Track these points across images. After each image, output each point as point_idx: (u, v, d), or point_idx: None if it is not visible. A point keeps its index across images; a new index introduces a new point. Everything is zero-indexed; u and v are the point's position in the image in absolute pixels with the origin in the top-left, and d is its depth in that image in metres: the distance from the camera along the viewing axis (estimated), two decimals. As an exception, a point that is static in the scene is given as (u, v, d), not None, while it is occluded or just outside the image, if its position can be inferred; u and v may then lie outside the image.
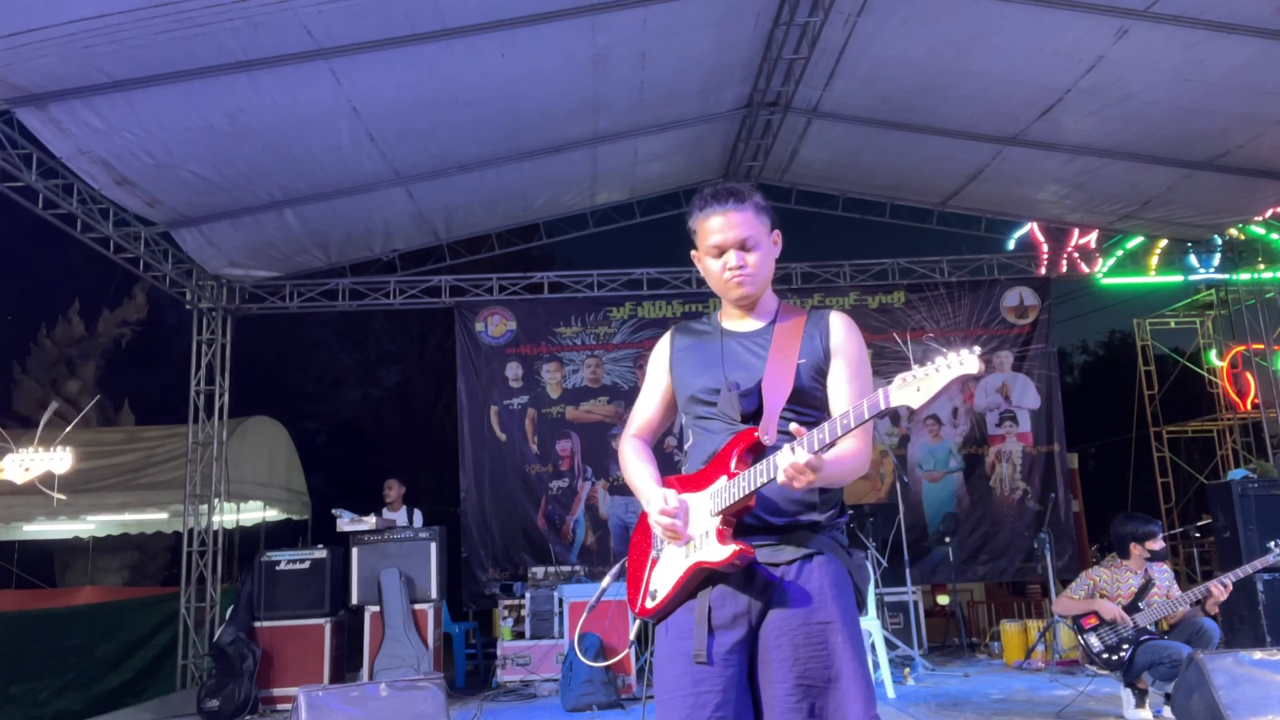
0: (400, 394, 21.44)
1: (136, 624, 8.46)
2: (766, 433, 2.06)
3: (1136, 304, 13.11)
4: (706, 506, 2.07)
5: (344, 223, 8.84)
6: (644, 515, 2.24)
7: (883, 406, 1.86)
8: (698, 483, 2.13)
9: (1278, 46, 6.61)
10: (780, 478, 1.90)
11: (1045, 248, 10.61)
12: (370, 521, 7.79)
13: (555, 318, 9.91)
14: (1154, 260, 10.72)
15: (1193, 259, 10.61)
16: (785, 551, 2.07)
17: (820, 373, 2.17)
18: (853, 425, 1.88)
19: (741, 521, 2.05)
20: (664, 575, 2.12)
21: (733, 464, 2.04)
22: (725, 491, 2.03)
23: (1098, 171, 8.83)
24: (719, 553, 2.00)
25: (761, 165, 9.93)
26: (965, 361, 1.82)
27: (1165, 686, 5.10)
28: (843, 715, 1.96)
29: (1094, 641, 5.31)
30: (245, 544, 10.53)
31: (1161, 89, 7.37)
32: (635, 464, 2.28)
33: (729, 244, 2.17)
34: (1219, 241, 10.33)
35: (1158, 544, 5.41)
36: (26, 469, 2.79)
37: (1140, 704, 5.28)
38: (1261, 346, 10.72)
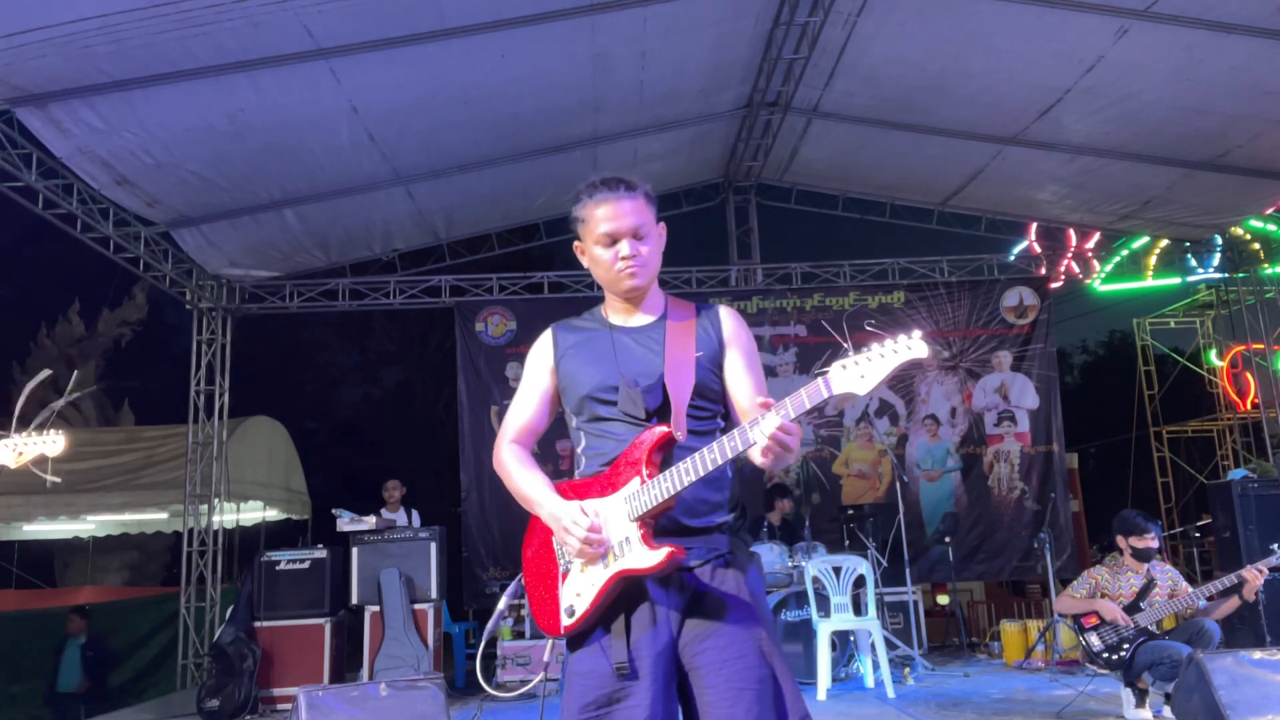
0: (400, 394, 21.44)
1: (137, 624, 8.47)
2: (678, 429, 1.98)
3: (1136, 304, 13.13)
4: (622, 511, 1.96)
5: (344, 223, 8.84)
6: (534, 527, 2.13)
7: (824, 395, 1.78)
8: (602, 487, 2.01)
9: (1278, 46, 6.61)
10: (757, 455, 1.81)
11: (1044, 260, 10.60)
12: (370, 522, 7.80)
13: (555, 318, 9.79)
14: (1152, 261, 10.74)
15: (1191, 259, 10.63)
16: (699, 555, 1.99)
17: (717, 365, 2.12)
18: (792, 415, 1.80)
19: (658, 525, 1.96)
20: (580, 589, 1.99)
21: (644, 465, 1.95)
22: (644, 494, 1.93)
23: (1098, 171, 8.84)
24: (649, 558, 1.90)
25: (761, 165, 9.94)
26: (914, 346, 1.77)
27: (1165, 686, 5.09)
28: (774, 714, 1.92)
29: (1094, 641, 5.31)
30: (245, 544, 10.54)
31: (1161, 89, 7.37)
32: (524, 472, 2.12)
33: (622, 232, 2.08)
34: (1218, 242, 10.34)
35: (1143, 542, 5.37)
36: (19, 453, 2.76)
37: (1140, 704, 5.27)
38: (1261, 346, 10.72)
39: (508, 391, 9.69)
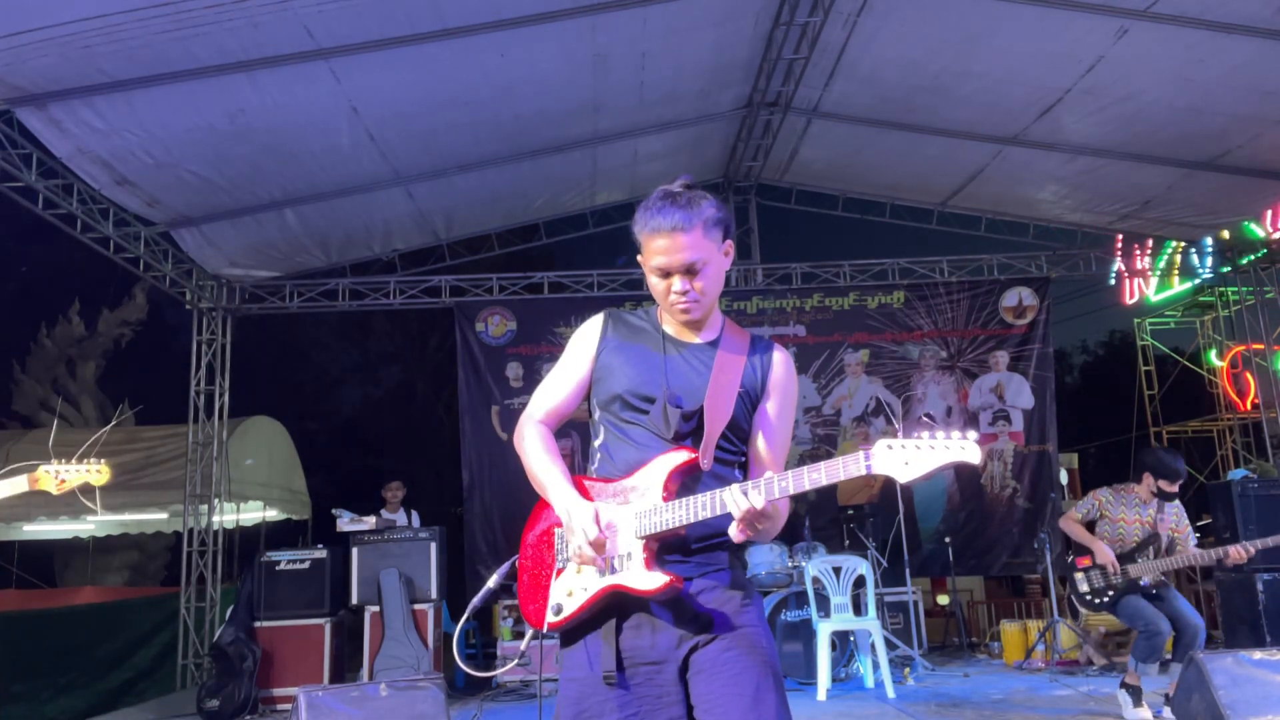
0: (400, 394, 21.42)
1: (137, 624, 8.46)
2: (705, 457, 1.97)
3: (1136, 304, 13.12)
4: (631, 526, 1.94)
5: (344, 223, 8.84)
6: (541, 513, 2.12)
7: (861, 472, 1.76)
8: (615, 493, 2.00)
9: (1278, 46, 6.61)
10: (735, 530, 1.84)
11: (1126, 277, 10.90)
12: (370, 522, 7.81)
13: (555, 318, 9.90)
14: (1176, 265, 10.88)
15: (1194, 258, 10.67)
16: (696, 569, 1.99)
17: (753, 405, 2.09)
18: (823, 482, 1.79)
19: (663, 543, 1.96)
20: (571, 590, 1.98)
21: (663, 486, 1.94)
22: (658, 515, 1.91)
23: (1098, 171, 8.84)
24: (647, 581, 1.89)
25: (761, 165, 9.94)
26: (967, 450, 1.73)
27: (1147, 669, 5.19)
28: None
29: (1082, 582, 5.36)
30: (245, 544, 10.52)
31: (1161, 89, 7.37)
32: (544, 459, 2.07)
33: (674, 268, 2.00)
34: (1208, 243, 10.40)
35: (1172, 488, 5.40)
36: (62, 480, 2.80)
37: (1138, 703, 5.28)
38: (1261, 346, 10.73)
39: (508, 391, 9.71)
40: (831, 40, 7.53)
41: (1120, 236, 10.49)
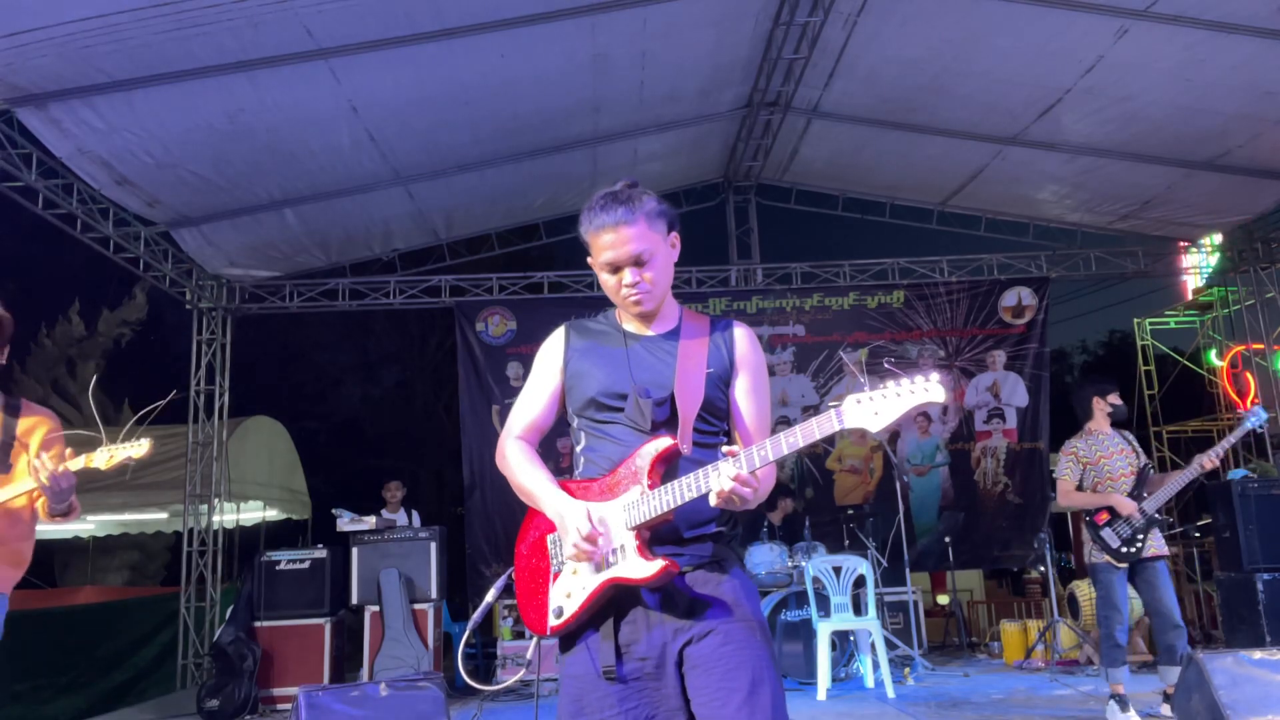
0: (400, 394, 21.40)
1: (137, 624, 8.47)
2: (684, 442, 2.00)
3: (1136, 304, 13.15)
4: (620, 519, 1.97)
5: (344, 223, 8.84)
6: (530, 522, 2.15)
7: (836, 428, 1.80)
8: (601, 490, 2.03)
9: (1277, 46, 6.62)
10: (714, 499, 1.85)
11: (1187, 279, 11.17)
12: (370, 522, 7.80)
13: (555, 317, 9.83)
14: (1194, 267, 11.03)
15: (1197, 258, 10.71)
16: (691, 560, 2.01)
17: (725, 383, 2.12)
18: (800, 444, 1.83)
19: (655, 533, 1.98)
20: (570, 591, 2.01)
21: (646, 475, 1.97)
22: (644, 504, 1.94)
23: (1098, 171, 8.84)
24: (643, 569, 1.92)
25: (761, 165, 9.94)
26: (931, 390, 1.77)
27: (1118, 674, 5.23)
28: (765, 715, 1.90)
29: (1111, 538, 5.31)
30: (245, 544, 10.52)
31: (1161, 89, 7.37)
32: (530, 469, 2.12)
33: (622, 261, 2.06)
34: (1204, 244, 10.43)
35: (1117, 399, 5.55)
36: (111, 457, 3.07)
37: (1124, 709, 5.25)
38: (1261, 346, 10.73)
39: (509, 391, 9.71)
40: (831, 40, 7.53)
41: (1183, 243, 10.56)
